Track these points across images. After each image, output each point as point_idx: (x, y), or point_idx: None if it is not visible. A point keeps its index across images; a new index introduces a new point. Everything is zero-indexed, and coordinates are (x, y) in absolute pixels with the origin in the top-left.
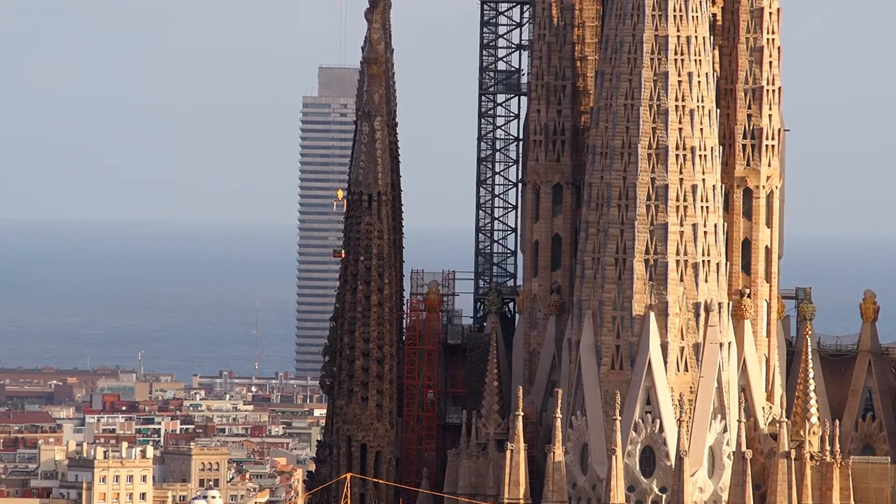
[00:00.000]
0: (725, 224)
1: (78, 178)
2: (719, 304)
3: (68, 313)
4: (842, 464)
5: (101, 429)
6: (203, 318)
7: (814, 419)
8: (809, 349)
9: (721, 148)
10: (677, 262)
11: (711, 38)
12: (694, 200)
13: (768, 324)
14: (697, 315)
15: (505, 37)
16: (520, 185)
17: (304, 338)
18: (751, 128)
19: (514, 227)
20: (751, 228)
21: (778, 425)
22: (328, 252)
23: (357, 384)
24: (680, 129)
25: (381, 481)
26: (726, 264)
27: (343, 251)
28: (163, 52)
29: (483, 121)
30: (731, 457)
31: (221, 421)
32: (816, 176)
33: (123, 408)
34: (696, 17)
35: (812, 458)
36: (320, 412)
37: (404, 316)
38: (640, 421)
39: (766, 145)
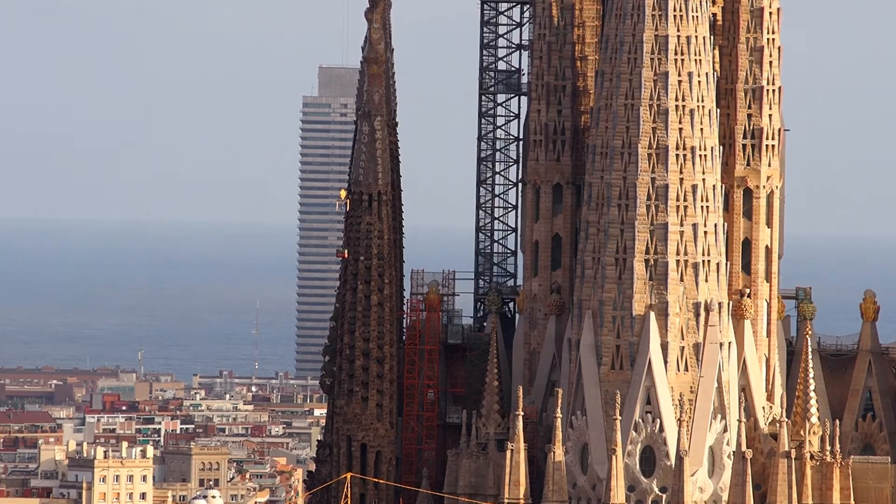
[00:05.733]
0: (725, 224)
1: (78, 177)
2: (719, 303)
3: (68, 313)
4: (842, 464)
5: (101, 429)
6: (203, 318)
7: (814, 419)
8: (809, 349)
9: (721, 148)
10: (677, 261)
11: (711, 38)
12: (694, 200)
13: (768, 324)
14: (697, 315)
15: (505, 37)
16: (520, 185)
17: (304, 338)
18: (751, 128)
19: (514, 227)
20: (751, 228)
21: (778, 425)
22: (328, 252)
23: (357, 384)
24: (680, 129)
25: (381, 481)
26: (726, 264)
27: (346, 251)
28: (163, 51)
29: (483, 121)
30: (731, 457)
31: (221, 421)
32: (816, 176)
33: (123, 408)
34: (696, 17)
35: (812, 458)
36: (320, 412)
37: (404, 316)
38: (640, 421)
39: (766, 145)
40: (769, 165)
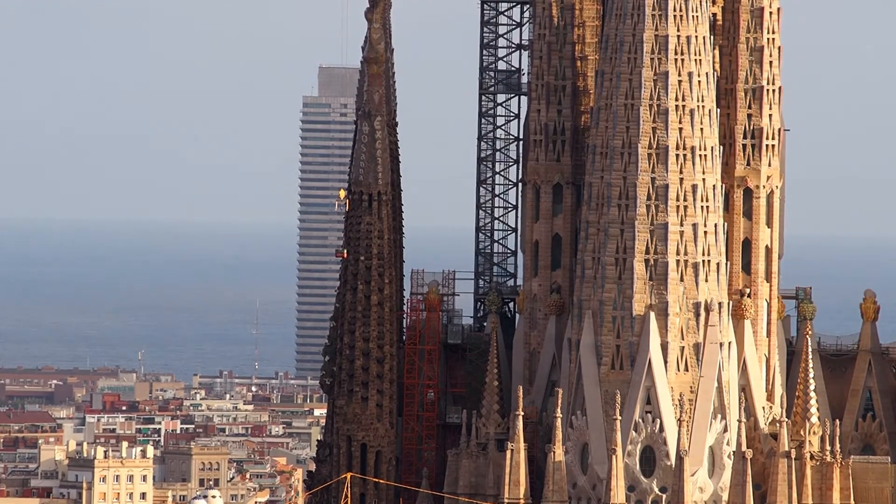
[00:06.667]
0: (725, 224)
1: (78, 177)
2: (719, 303)
3: (68, 313)
4: (842, 464)
5: (102, 428)
6: (203, 318)
7: (814, 419)
8: (809, 349)
9: (721, 148)
10: (677, 261)
11: (711, 38)
12: (694, 200)
13: (768, 324)
14: (697, 315)
15: (505, 37)
16: (520, 185)
17: (304, 338)
18: (751, 128)
19: (514, 227)
20: (751, 228)
21: (778, 425)
22: (328, 252)
23: (357, 384)
24: (680, 129)
25: (381, 481)
26: (726, 264)
27: (346, 251)
28: (163, 52)
29: (483, 121)
30: (732, 457)
31: (221, 421)
32: (816, 176)
33: (123, 408)
34: (696, 16)
35: (812, 458)
36: (320, 412)
37: (404, 316)
38: (640, 421)
39: (766, 145)
40: (769, 165)
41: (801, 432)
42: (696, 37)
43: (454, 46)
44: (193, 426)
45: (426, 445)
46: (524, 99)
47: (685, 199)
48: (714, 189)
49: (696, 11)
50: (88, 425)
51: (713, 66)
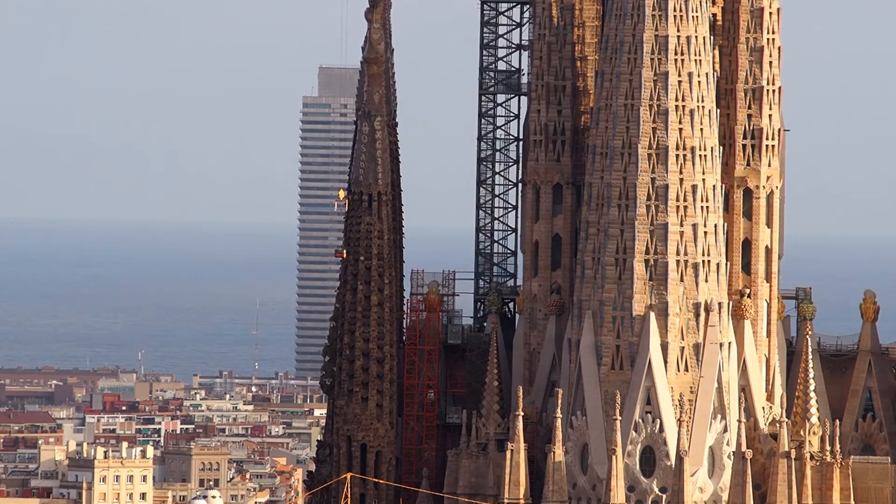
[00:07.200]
0: (725, 224)
1: (78, 177)
2: (719, 304)
3: (68, 313)
4: (842, 464)
5: (102, 429)
6: (203, 318)
7: (814, 419)
8: (809, 349)
9: (721, 148)
10: (677, 262)
11: (711, 38)
12: (694, 200)
13: (768, 324)
14: (697, 315)
15: (505, 37)
16: (520, 185)
17: (304, 338)
18: (751, 128)
19: (514, 227)
20: (751, 228)
21: (778, 425)
22: (328, 252)
23: (357, 384)
24: (680, 129)
25: (381, 481)
26: (726, 264)
27: (345, 251)
28: (162, 52)
29: (483, 121)
30: (731, 457)
31: (221, 421)
32: (816, 176)
33: (123, 408)
34: (696, 17)
35: (812, 458)
36: (320, 412)
37: (404, 316)
38: (640, 421)
39: (766, 145)
40: (769, 165)
41: (801, 432)
42: (696, 37)
43: (454, 46)
44: (193, 426)
45: (426, 445)
46: (524, 99)
47: (685, 200)
48: (714, 189)
49: (696, 11)
50: (88, 425)
51: (713, 67)
